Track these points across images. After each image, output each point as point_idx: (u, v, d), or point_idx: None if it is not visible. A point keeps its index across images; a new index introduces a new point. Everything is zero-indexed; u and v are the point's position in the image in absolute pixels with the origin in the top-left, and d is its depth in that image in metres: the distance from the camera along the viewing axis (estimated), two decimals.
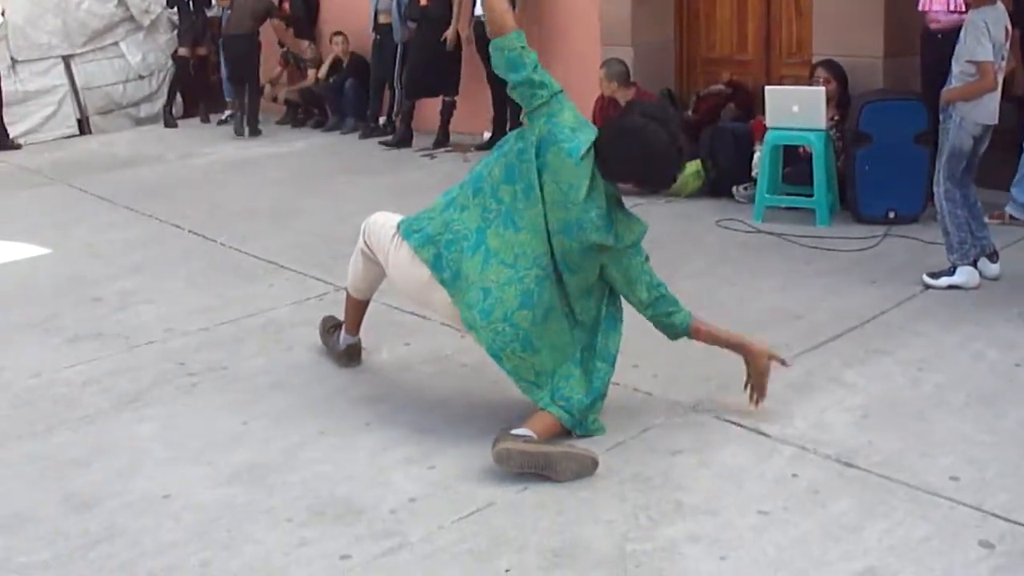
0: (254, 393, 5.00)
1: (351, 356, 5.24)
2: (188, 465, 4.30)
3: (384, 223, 4.71)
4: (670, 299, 4.40)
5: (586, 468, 3.98)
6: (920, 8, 7.50)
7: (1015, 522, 3.57)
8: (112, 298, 6.58)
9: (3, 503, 4.08)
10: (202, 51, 13.98)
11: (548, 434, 4.15)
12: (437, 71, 10.97)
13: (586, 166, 4.17)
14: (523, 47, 4.28)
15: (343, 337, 5.25)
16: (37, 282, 7.08)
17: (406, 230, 4.46)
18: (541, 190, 4.18)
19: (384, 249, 4.61)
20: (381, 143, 11.43)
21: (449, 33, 10.84)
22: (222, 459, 4.33)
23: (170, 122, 13.99)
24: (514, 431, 4.05)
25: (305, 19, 13.38)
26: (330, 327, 5.41)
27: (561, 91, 4.29)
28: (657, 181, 4.55)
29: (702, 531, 3.62)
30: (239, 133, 12.75)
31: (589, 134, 4.23)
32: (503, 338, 4.18)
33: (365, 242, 4.84)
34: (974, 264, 5.92)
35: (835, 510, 3.71)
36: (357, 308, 5.17)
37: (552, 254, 4.22)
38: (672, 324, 4.42)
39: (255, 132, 12.72)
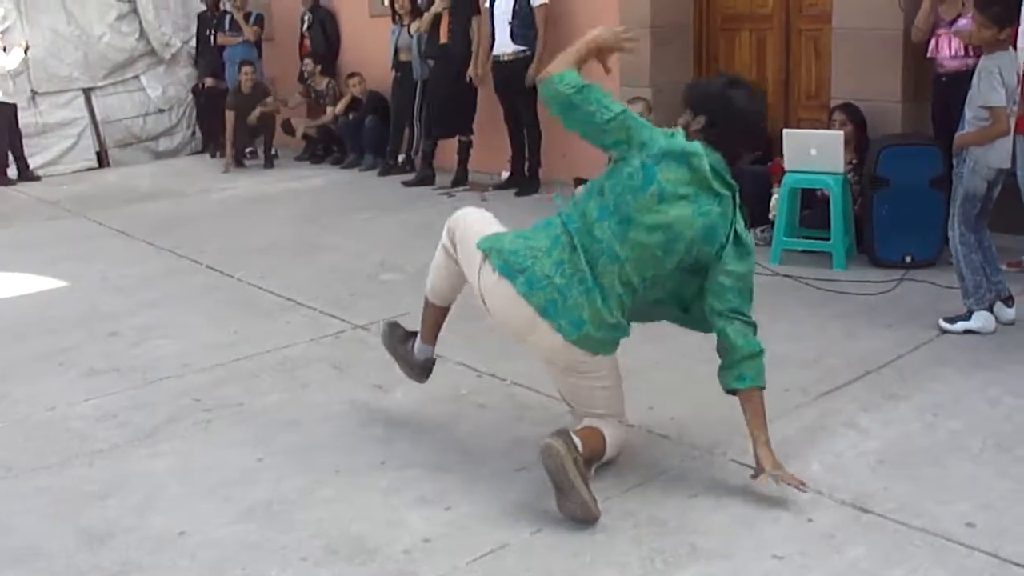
0: (269, 430, 5.01)
1: (426, 372, 4.96)
2: (203, 501, 4.30)
3: (471, 235, 4.38)
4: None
5: (586, 519, 3.93)
6: (929, 54, 7.55)
7: None
8: (129, 332, 6.61)
9: (16, 536, 4.09)
10: (222, 84, 14.06)
11: (589, 453, 4.09)
12: (453, 110, 11.01)
13: (708, 171, 4.08)
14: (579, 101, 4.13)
15: (419, 347, 4.92)
16: (54, 315, 7.11)
17: (505, 267, 4.13)
18: (638, 223, 4.05)
19: (472, 267, 4.30)
20: (404, 183, 11.41)
21: (471, 70, 10.86)
22: (237, 496, 4.33)
23: (213, 154, 14.28)
24: (573, 435, 4.01)
25: (327, 56, 13.45)
26: (400, 335, 5.02)
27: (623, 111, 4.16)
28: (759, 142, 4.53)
29: (717, 575, 3.61)
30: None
31: (688, 141, 4.13)
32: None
33: (451, 242, 4.52)
34: (990, 309, 5.91)
35: (851, 556, 3.69)
36: (436, 315, 4.82)
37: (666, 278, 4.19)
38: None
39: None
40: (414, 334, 4.95)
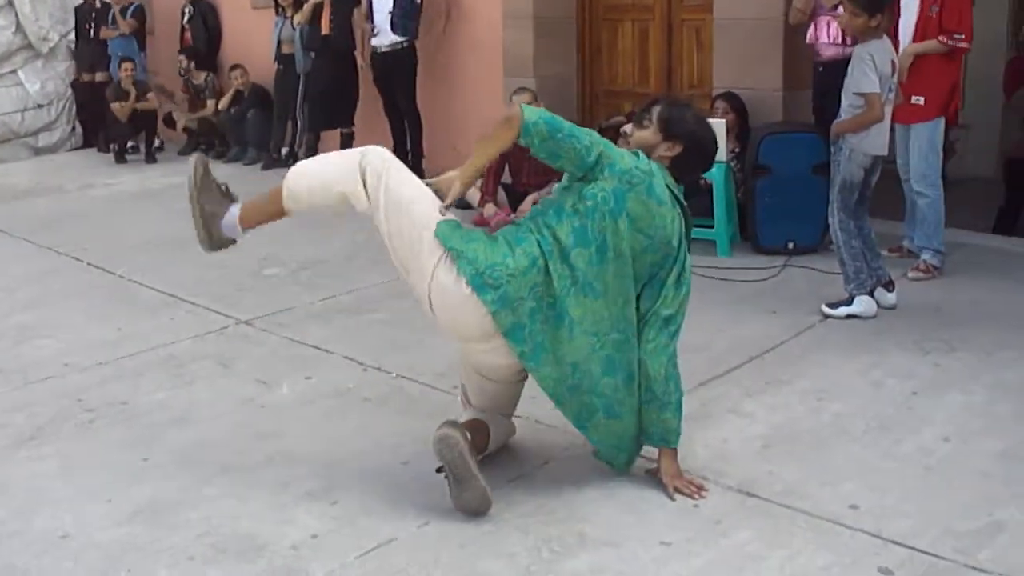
0: (154, 429, 4.92)
1: (221, 248, 4.47)
2: (87, 503, 4.21)
3: (410, 205, 3.98)
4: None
5: (480, 510, 3.93)
6: (808, 41, 7.68)
7: (914, 548, 3.62)
8: (9, 333, 6.46)
9: None
10: (101, 77, 13.80)
11: (478, 446, 4.07)
12: (335, 102, 10.97)
13: (667, 197, 4.05)
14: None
15: (230, 222, 4.40)
16: None
17: (478, 280, 3.83)
18: (614, 250, 3.92)
19: (424, 256, 3.93)
20: None
21: (359, 61, 10.85)
22: (122, 497, 4.25)
23: (103, 149, 13.86)
24: (465, 427, 3.98)
25: (206, 50, 13.28)
26: (216, 187, 4.46)
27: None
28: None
29: (605, 563, 3.63)
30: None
31: (649, 164, 4.03)
32: (590, 410, 4.03)
33: (364, 184, 4.02)
34: (871, 294, 6.02)
35: (737, 540, 3.74)
36: (275, 214, 4.31)
37: (632, 311, 4.04)
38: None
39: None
40: (231, 198, 4.44)
